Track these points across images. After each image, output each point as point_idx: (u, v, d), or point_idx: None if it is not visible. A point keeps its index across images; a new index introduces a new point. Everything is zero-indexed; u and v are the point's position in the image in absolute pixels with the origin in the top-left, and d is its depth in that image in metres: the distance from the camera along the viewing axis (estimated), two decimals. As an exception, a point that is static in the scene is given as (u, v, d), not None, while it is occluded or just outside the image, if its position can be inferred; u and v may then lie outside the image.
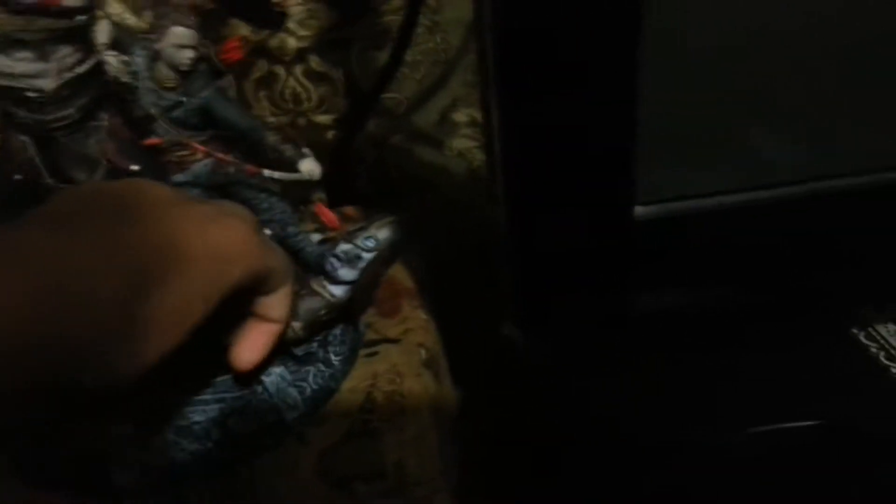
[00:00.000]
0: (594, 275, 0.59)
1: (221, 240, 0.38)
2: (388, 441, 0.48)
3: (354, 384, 0.50)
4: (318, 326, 0.48)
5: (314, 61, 0.67)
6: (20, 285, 0.30)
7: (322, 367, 0.49)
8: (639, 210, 0.56)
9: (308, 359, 0.48)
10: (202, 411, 0.43)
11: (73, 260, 0.33)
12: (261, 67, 0.66)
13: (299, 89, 0.67)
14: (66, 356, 0.32)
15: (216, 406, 0.43)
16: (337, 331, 0.50)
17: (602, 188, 0.55)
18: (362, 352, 0.52)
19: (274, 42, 0.65)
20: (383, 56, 0.68)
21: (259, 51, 0.65)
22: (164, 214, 0.37)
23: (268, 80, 0.67)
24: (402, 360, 0.53)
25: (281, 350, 0.47)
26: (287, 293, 0.43)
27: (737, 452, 0.60)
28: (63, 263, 0.32)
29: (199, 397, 0.43)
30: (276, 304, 0.42)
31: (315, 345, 0.49)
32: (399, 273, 0.59)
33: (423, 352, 0.55)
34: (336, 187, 0.71)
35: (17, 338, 0.30)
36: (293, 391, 0.47)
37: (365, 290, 0.51)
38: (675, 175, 0.57)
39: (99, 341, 0.33)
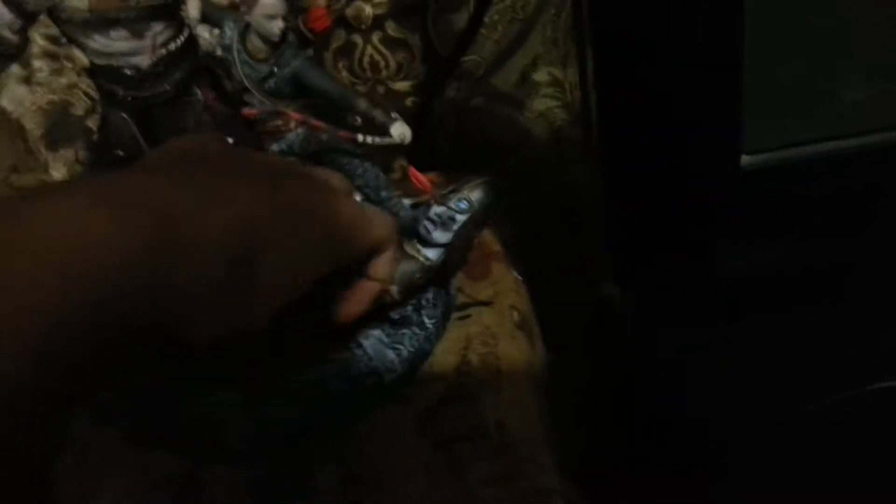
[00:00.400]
0: (698, 229, 0.59)
1: (337, 213, 0.40)
2: (487, 402, 0.50)
3: (449, 346, 0.52)
4: (413, 290, 0.50)
5: (391, 28, 0.68)
6: (134, 225, 0.31)
7: (417, 331, 0.51)
8: (745, 159, 0.56)
9: (403, 322, 0.50)
10: (305, 374, 0.46)
11: (181, 203, 0.33)
12: (339, 37, 0.68)
13: (377, 57, 0.69)
14: (172, 304, 0.32)
15: (319, 368, 0.46)
16: (430, 294, 0.52)
17: (709, 138, 0.55)
18: (455, 315, 0.54)
19: (350, 11, 0.67)
20: (459, 19, 0.69)
21: (336, 20, 0.67)
22: (279, 179, 0.38)
23: (346, 50, 0.69)
24: (494, 322, 0.55)
25: (378, 314, 0.49)
26: (391, 256, 0.45)
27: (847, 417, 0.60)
28: (170, 206, 0.32)
29: (302, 360, 0.46)
30: (380, 265, 0.44)
31: (409, 308, 0.51)
32: (487, 236, 0.61)
33: (515, 314, 0.56)
34: (418, 154, 0.73)
35: (128, 278, 0.30)
36: (390, 353, 0.49)
37: (458, 253, 0.53)
38: (782, 123, 0.56)
39: (203, 293, 0.33)
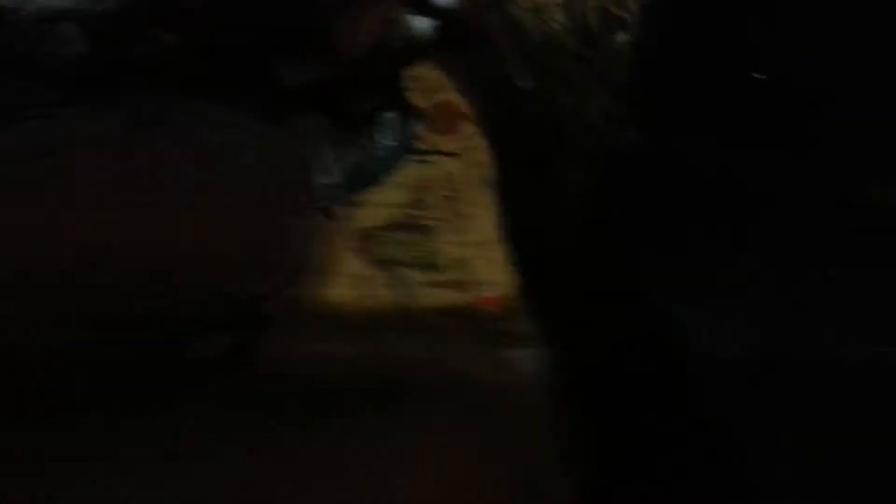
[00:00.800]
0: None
1: None
2: (447, 239, 0.43)
3: (401, 181, 0.46)
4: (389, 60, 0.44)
5: None
6: None
7: (366, 148, 0.45)
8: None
9: (355, 134, 0.45)
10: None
11: None
12: None
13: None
14: None
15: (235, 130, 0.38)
16: (389, 114, 0.46)
17: None
18: (413, 158, 0.47)
19: None
20: None
21: None
22: None
23: None
24: (460, 172, 0.48)
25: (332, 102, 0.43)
26: None
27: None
28: None
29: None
30: None
31: (365, 124, 0.45)
32: (457, 98, 0.53)
33: (484, 170, 0.49)
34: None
35: None
36: (330, 155, 0.43)
37: (453, 31, 0.47)
38: None
39: None
